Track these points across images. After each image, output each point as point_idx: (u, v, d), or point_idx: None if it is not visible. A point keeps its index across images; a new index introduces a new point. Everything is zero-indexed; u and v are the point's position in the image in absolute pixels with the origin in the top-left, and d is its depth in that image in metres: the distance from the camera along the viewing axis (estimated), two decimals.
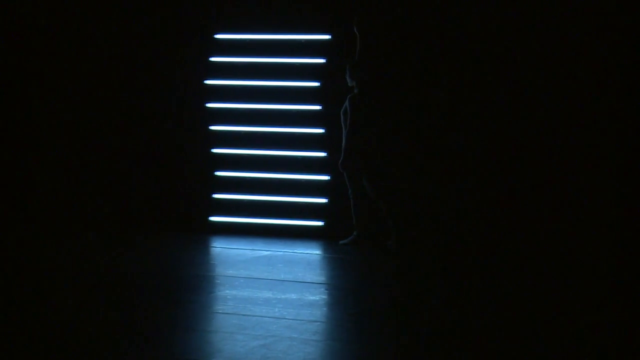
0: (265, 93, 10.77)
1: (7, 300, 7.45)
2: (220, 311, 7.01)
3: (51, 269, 8.84)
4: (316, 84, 10.60)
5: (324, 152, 10.61)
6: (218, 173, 10.95)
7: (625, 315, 7.16)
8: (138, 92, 11.12)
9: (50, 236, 10.56)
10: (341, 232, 10.31)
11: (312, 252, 9.78)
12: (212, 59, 10.90)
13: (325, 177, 10.61)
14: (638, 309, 7.42)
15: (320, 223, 10.61)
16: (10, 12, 11.27)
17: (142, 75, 11.10)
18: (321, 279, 8.76)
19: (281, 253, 9.83)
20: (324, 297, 7.89)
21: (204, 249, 10.05)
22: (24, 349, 6.03)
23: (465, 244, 10.07)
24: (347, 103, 9.94)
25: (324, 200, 10.64)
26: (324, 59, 10.59)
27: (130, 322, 6.78)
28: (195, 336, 6.35)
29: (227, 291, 7.76)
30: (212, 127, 10.93)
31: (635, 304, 7.57)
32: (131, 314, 7.02)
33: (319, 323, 6.91)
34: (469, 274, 8.80)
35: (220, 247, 10.01)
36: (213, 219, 10.89)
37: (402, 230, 9.91)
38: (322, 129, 10.61)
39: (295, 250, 9.88)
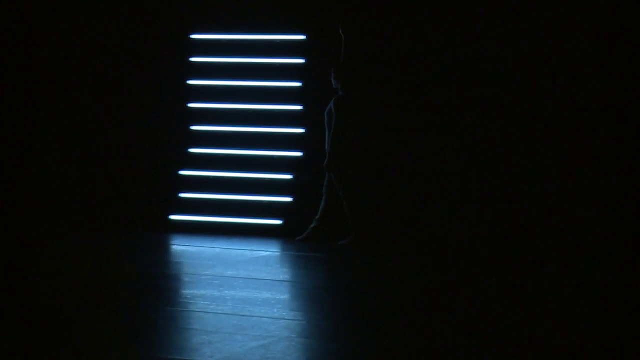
0: (244, 93, 10.83)
1: None
2: (219, 311, 7.03)
3: (46, 270, 8.86)
4: (297, 84, 10.65)
5: (302, 151, 10.67)
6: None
7: (625, 315, 7.17)
8: (116, 91, 11.15)
9: (42, 236, 10.60)
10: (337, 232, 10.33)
11: (309, 253, 9.78)
12: (192, 59, 10.95)
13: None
14: (638, 309, 7.44)
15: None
16: None
17: (121, 74, 11.14)
18: (320, 279, 8.77)
19: (278, 253, 9.85)
20: (322, 297, 7.90)
21: (196, 249, 10.05)
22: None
23: (452, 243, 10.08)
24: (331, 104, 9.99)
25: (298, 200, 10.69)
26: (303, 59, 10.64)
27: (127, 323, 6.79)
28: (193, 336, 6.37)
29: (226, 291, 7.77)
30: (193, 127, 10.98)
31: (635, 304, 7.59)
32: (127, 315, 7.03)
33: (317, 323, 6.92)
34: (458, 273, 8.82)
35: (220, 248, 10.02)
36: (177, 217, 10.94)
37: (361, 231, 9.95)
38: (302, 128, 10.65)
39: (292, 251, 9.89)
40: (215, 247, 10.05)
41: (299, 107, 10.69)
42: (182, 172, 11.03)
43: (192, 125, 11.01)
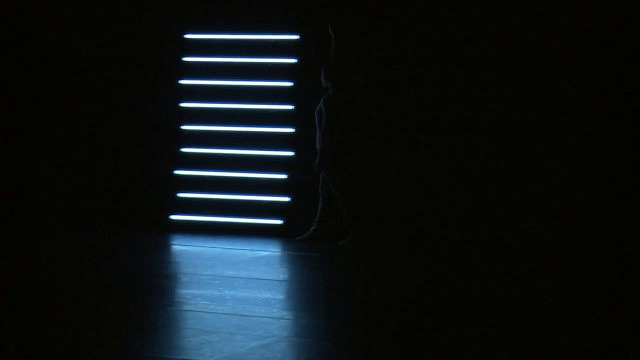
0: (237, 93, 10.84)
1: None
2: (219, 311, 7.03)
3: (50, 270, 8.86)
4: (289, 83, 10.67)
5: (294, 151, 10.70)
6: (188, 172, 10.99)
7: (625, 315, 7.18)
8: (109, 91, 11.16)
9: (39, 236, 10.61)
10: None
11: (309, 254, 9.78)
12: (185, 58, 10.97)
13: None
14: (638, 309, 7.44)
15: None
16: None
17: (114, 75, 11.15)
18: (320, 279, 8.77)
19: (278, 253, 9.86)
20: (322, 297, 7.90)
21: (197, 249, 10.05)
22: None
23: (442, 244, 10.07)
24: (321, 104, 10.02)
25: (286, 199, 10.70)
26: (295, 59, 10.65)
27: (127, 322, 6.80)
28: (194, 336, 6.37)
29: (227, 291, 7.78)
30: (184, 127, 10.98)
31: (635, 304, 7.59)
32: (127, 314, 7.04)
33: (317, 323, 6.93)
34: (456, 273, 8.82)
35: (220, 248, 10.02)
36: (177, 217, 10.95)
37: (360, 231, 9.96)
38: (294, 128, 10.67)
39: (292, 251, 9.89)
40: (216, 247, 10.05)
41: (291, 107, 10.69)
42: (179, 172, 11.03)
43: (184, 125, 11.01)
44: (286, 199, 10.70)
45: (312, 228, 10.19)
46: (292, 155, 10.72)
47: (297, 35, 10.67)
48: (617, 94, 9.92)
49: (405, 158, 10.35)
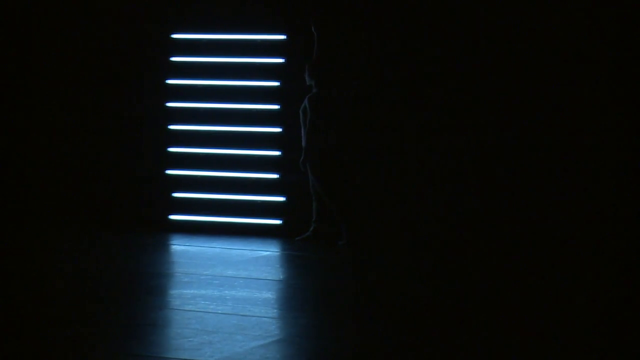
0: (224, 92, 10.85)
1: None
2: (219, 311, 7.04)
3: (50, 271, 8.87)
4: (275, 83, 10.68)
5: (280, 150, 10.71)
6: (179, 172, 11.00)
7: (625, 315, 7.18)
8: (97, 91, 11.17)
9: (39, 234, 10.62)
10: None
11: (309, 254, 9.79)
12: (173, 58, 10.97)
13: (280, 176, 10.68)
14: (638, 309, 7.45)
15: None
16: None
17: (102, 75, 11.15)
18: (320, 279, 8.78)
19: (278, 253, 9.86)
20: (322, 297, 7.91)
21: (197, 249, 10.05)
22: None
23: (437, 243, 10.08)
24: (306, 102, 10.03)
25: (282, 199, 10.71)
26: (282, 58, 10.66)
27: (127, 322, 6.80)
28: (194, 336, 6.38)
29: (227, 291, 7.79)
30: (172, 127, 11.00)
31: (635, 304, 7.60)
32: (128, 314, 7.04)
33: (317, 323, 6.93)
34: (455, 273, 8.83)
35: (220, 248, 10.03)
36: (175, 217, 10.96)
37: (355, 230, 9.97)
38: (280, 127, 10.68)
39: (292, 251, 9.90)
40: (215, 247, 10.06)
41: (277, 107, 10.70)
42: (170, 172, 11.03)
43: (172, 124, 11.01)
44: (281, 198, 10.71)
45: (311, 228, 10.20)
46: (279, 155, 10.73)
47: (284, 35, 10.68)
48: (618, 94, 9.92)
49: (394, 155, 10.34)
